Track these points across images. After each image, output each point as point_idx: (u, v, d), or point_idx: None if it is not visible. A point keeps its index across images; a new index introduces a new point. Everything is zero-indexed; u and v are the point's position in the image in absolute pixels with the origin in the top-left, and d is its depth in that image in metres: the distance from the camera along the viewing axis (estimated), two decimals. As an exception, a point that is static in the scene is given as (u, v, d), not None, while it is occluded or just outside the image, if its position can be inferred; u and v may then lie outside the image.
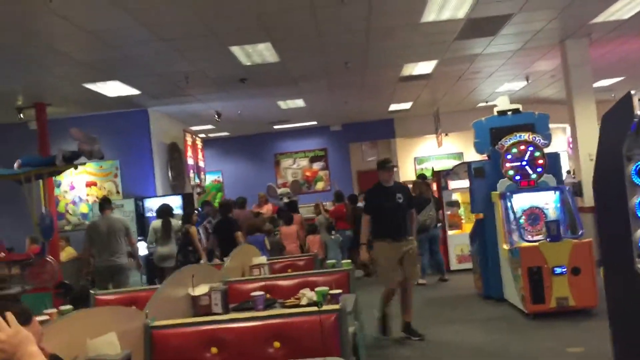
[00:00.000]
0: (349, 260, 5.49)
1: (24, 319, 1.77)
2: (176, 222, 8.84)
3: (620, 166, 2.58)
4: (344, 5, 6.60)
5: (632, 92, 2.45)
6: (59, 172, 8.19)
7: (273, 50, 8.29)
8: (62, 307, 4.08)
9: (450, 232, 10.45)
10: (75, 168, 7.98)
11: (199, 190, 15.28)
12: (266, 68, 9.18)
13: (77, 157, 7.34)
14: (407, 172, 16.78)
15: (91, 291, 5.01)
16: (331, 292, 4.02)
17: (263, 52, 8.36)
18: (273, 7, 6.71)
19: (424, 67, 10.39)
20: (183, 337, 3.20)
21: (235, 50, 8.10)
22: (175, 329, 3.23)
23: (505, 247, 7.01)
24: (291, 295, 4.39)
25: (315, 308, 3.35)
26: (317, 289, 4.07)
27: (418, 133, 16.77)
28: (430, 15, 7.43)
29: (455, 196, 10.80)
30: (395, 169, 6.49)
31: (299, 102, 12.65)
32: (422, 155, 17.34)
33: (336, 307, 3.21)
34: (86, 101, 10.20)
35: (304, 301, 4.16)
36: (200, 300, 4.12)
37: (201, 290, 4.13)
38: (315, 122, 16.04)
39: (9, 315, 1.69)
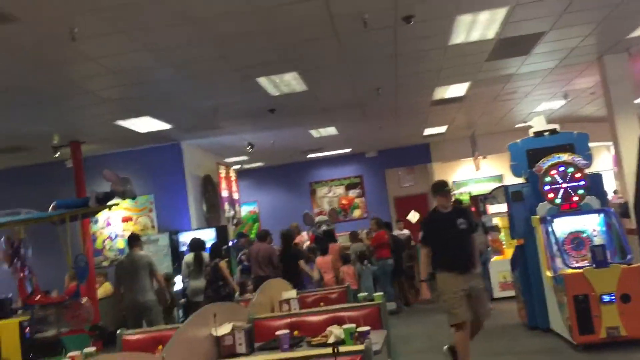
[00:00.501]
0: (382, 293, 5.26)
1: None
2: (206, 255, 8.75)
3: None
4: (368, 32, 6.49)
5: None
6: (94, 214, 8.27)
7: (300, 80, 8.23)
8: (86, 350, 3.99)
9: (491, 259, 10.07)
10: (109, 209, 8.06)
11: (235, 221, 15.28)
12: (295, 98, 9.12)
13: (110, 198, 7.41)
14: (445, 197, 16.39)
15: (118, 331, 4.90)
16: (359, 329, 3.82)
17: (290, 82, 8.31)
18: (297, 38, 6.66)
19: (457, 90, 10.16)
20: (201, 383, 3.04)
21: (262, 81, 8.06)
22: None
23: (549, 274, 6.65)
24: (320, 332, 4.19)
25: (347, 348, 3.17)
26: (344, 326, 3.87)
27: (455, 157, 16.44)
28: (459, 37, 7.25)
29: (495, 220, 10.44)
30: (452, 193, 5.91)
31: (332, 130, 12.55)
32: (461, 179, 16.94)
33: (360, 347, 3.01)
34: (119, 138, 10.32)
35: (331, 339, 3.95)
36: (224, 341, 3.97)
37: (225, 329, 3.97)
38: (349, 149, 15.90)
39: None
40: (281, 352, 3.85)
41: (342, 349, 3.04)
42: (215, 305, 4.61)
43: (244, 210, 16.65)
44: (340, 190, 16.75)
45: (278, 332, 3.94)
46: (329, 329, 4.06)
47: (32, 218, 7.49)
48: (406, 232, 12.87)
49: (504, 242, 10.27)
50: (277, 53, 7.06)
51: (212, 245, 8.87)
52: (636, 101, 12.08)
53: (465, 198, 13.54)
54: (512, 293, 8.57)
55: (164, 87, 7.87)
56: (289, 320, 4.75)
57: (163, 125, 9.79)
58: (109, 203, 7.45)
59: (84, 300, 7.31)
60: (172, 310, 8.78)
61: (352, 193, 16.68)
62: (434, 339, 7.61)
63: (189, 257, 8.81)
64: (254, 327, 4.76)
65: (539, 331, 7.06)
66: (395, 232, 12.67)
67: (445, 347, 5.76)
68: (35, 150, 10.34)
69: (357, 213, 16.40)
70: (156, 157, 11.42)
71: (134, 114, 8.97)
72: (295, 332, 4.62)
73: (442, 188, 5.63)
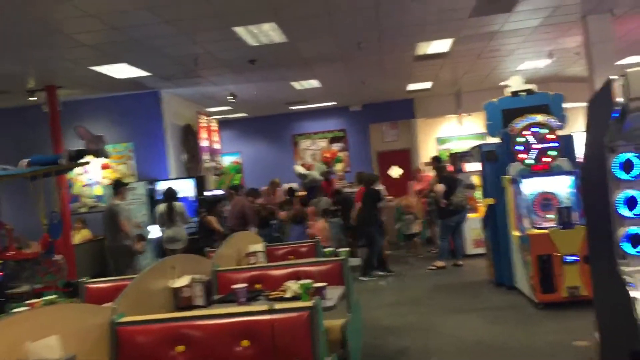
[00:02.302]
0: (348, 249, 5.33)
1: None
2: (180, 204, 8.85)
3: (603, 157, 2.35)
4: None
5: (613, 77, 2.21)
6: (66, 171, 8.26)
7: (279, 31, 8.08)
8: (48, 297, 4.03)
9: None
10: (82, 166, 8.09)
11: (217, 172, 15.25)
12: (274, 49, 8.97)
13: (83, 155, 7.39)
14: (428, 153, 16.41)
15: (80, 280, 4.94)
16: (316, 285, 3.87)
17: (269, 33, 8.15)
18: (274, -14, 6.50)
19: (440, 46, 10.03)
20: (149, 334, 3.08)
21: (240, 30, 7.90)
22: (141, 325, 3.11)
23: (516, 233, 6.75)
24: (285, 282, 4.25)
25: (291, 304, 3.21)
26: (300, 282, 3.93)
27: (439, 113, 16.37)
28: (440, -9, 7.12)
29: (472, 179, 10.51)
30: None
31: (314, 83, 12.40)
32: (444, 135, 16.92)
33: (308, 304, 3.05)
34: (97, 83, 10.14)
35: (288, 294, 4.02)
36: (182, 292, 4.01)
37: (182, 281, 4.02)
38: (334, 103, 15.77)
39: None
40: (237, 305, 3.91)
41: (289, 305, 3.08)
42: (177, 256, 4.65)
43: (227, 161, 16.61)
44: (323, 143, 16.70)
45: (234, 286, 3.98)
46: (285, 283, 4.12)
47: (4, 175, 7.43)
48: (381, 187, 12.94)
49: (479, 200, 10.36)
50: (255, 1, 6.90)
51: (166, 190, 9.01)
52: (622, 62, 12.07)
53: (444, 155, 13.55)
54: (484, 250, 8.72)
55: (140, 33, 7.69)
56: (252, 273, 4.80)
57: (140, 72, 9.63)
58: (82, 161, 7.42)
59: (58, 257, 7.36)
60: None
61: (336, 146, 16.65)
62: (404, 292, 7.79)
63: (161, 207, 8.98)
64: (217, 280, 4.85)
65: (504, 288, 7.22)
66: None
67: None
68: (10, 94, 10.17)
69: (339, 167, 16.39)
70: (135, 105, 11.29)
71: (110, 59, 8.79)
72: (257, 286, 4.68)
73: None
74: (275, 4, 7.06)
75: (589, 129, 2.56)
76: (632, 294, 2.22)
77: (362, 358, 4.98)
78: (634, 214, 2.31)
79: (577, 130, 14.24)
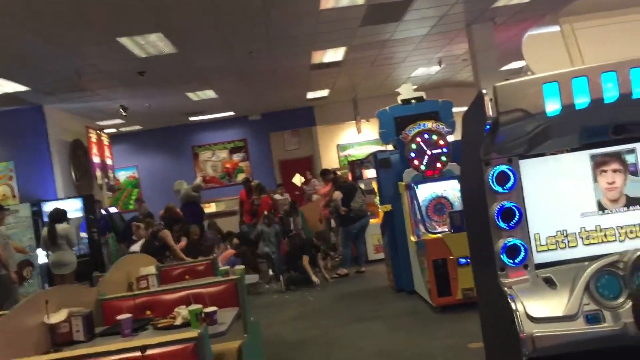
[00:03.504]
0: (242, 266, 5.16)
1: None
2: (64, 227, 8.28)
3: (479, 170, 2.35)
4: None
5: (484, 91, 2.21)
6: None
7: (167, 41, 7.80)
8: None
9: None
10: None
11: (115, 187, 14.58)
12: (164, 60, 8.66)
13: None
14: (330, 160, 16.54)
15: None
16: (206, 310, 3.69)
17: (157, 43, 7.85)
18: (157, -5, 6.25)
19: (334, 55, 10.12)
20: (15, 382, 2.79)
21: (125, 41, 7.55)
22: (6, 372, 2.81)
23: (413, 239, 6.87)
24: (175, 308, 4.01)
25: (173, 336, 3.00)
26: (189, 307, 3.72)
27: (339, 120, 16.53)
28: (329, 2, 7.13)
29: (373, 185, 10.64)
30: None
31: (210, 93, 12.14)
32: (345, 142, 17.12)
33: (193, 334, 2.86)
34: (-30, 99, 9.38)
35: (178, 321, 3.79)
36: (59, 328, 3.69)
37: (59, 316, 3.69)
38: (232, 113, 15.52)
39: None
40: (122, 337, 3.65)
41: (169, 338, 2.87)
42: (55, 288, 4.31)
43: (123, 176, 15.92)
44: (224, 154, 16.40)
45: (119, 317, 3.72)
46: (176, 309, 3.90)
47: None
48: (286, 195, 12.92)
49: (379, 206, 10.51)
50: (137, 11, 6.60)
51: (51, 211, 8.54)
52: (506, 67, 12.71)
53: (344, 161, 13.72)
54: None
55: (16, 46, 7.17)
56: (142, 299, 4.52)
57: (18, 87, 8.98)
58: None
59: None
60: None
61: (236, 157, 16.40)
62: (307, 305, 7.71)
63: (44, 231, 8.43)
64: (103, 309, 4.53)
65: (405, 294, 7.31)
66: (277, 196, 12.66)
67: None
68: None
69: (241, 177, 16.14)
70: (15, 121, 10.51)
71: (-18, 73, 8.15)
72: (148, 312, 4.41)
73: None
74: (158, 14, 6.81)
75: (465, 143, 2.57)
76: (513, 306, 2.22)
77: (263, 379, 4.84)
78: (509, 226, 2.32)
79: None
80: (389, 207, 7.50)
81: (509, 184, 2.32)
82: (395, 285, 7.61)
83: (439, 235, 6.43)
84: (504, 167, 2.32)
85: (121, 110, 11.44)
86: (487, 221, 2.35)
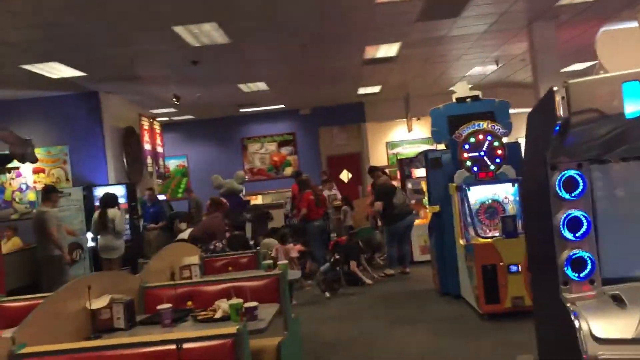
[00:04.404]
0: (285, 262, 5.07)
1: None
2: (114, 212, 8.41)
3: (545, 174, 2.16)
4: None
5: (555, 88, 2.02)
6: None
7: (221, 31, 7.77)
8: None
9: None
10: (9, 172, 7.62)
11: (165, 175, 14.76)
12: (218, 50, 8.65)
13: (8, 160, 6.95)
14: (379, 157, 16.35)
15: (-4, 298, 4.53)
16: (246, 305, 3.60)
17: (211, 33, 7.83)
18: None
19: (387, 50, 9.92)
20: (53, 368, 2.75)
21: (180, 30, 7.56)
22: (44, 357, 2.77)
23: (461, 242, 6.63)
24: (216, 301, 3.95)
25: (213, 331, 2.92)
26: (230, 301, 3.65)
27: (389, 117, 16.30)
28: (386, -6, 6.97)
29: (421, 185, 10.43)
30: None
31: (262, 86, 12.12)
32: (394, 140, 16.89)
33: (232, 330, 2.77)
34: (30, 83, 9.59)
35: (218, 314, 3.73)
36: (101, 314, 3.68)
37: (100, 302, 3.68)
38: (282, 105, 15.50)
39: None
40: (161, 327, 3.61)
41: (208, 332, 2.80)
42: (98, 274, 4.31)
43: (172, 164, 16.13)
44: (272, 147, 16.41)
45: (159, 307, 3.67)
46: (217, 302, 3.84)
47: None
48: (334, 191, 12.81)
49: (427, 207, 10.28)
50: (193, 0, 6.59)
51: (102, 196, 8.72)
52: (567, 69, 12.24)
53: (392, 160, 13.50)
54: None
55: (72, 31, 7.27)
56: (183, 289, 4.49)
57: (75, 72, 9.14)
58: (9, 166, 6.97)
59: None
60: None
61: (285, 150, 16.39)
62: (349, 304, 7.58)
63: (95, 214, 8.57)
64: (145, 297, 4.51)
65: (450, 298, 7.09)
66: (325, 192, 12.59)
67: None
68: None
69: (288, 171, 16.14)
70: (72, 106, 10.75)
71: (41, 58, 8.31)
72: (189, 303, 4.37)
73: None
74: (214, 4, 6.77)
75: (529, 144, 2.38)
76: (577, 323, 2.03)
77: (301, 378, 4.74)
78: (576, 236, 2.12)
79: (523, 136, 14.54)
80: (437, 208, 7.29)
81: (578, 191, 2.13)
82: (440, 289, 7.40)
83: (490, 240, 6.19)
84: (572, 172, 2.13)
85: (173, 99, 11.53)
86: (550, 230, 2.16)
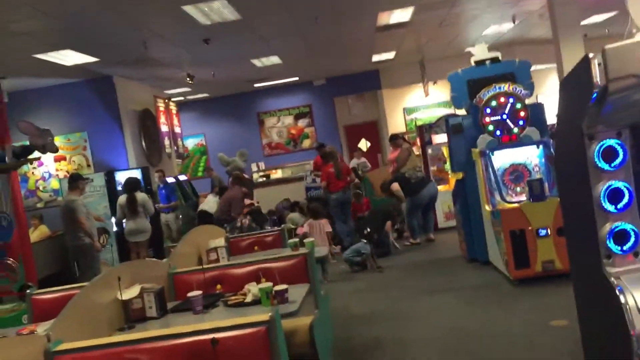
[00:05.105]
0: (311, 239, 5.03)
1: None
2: (142, 195, 8.50)
3: (581, 145, 2.07)
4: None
5: (591, 55, 1.92)
6: (12, 169, 7.78)
7: (231, 8, 7.64)
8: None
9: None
10: (31, 163, 7.63)
11: (184, 155, 14.77)
12: (229, 27, 8.53)
13: (29, 152, 6.94)
14: (396, 124, 16.17)
15: (27, 291, 4.59)
16: (276, 288, 3.58)
17: (221, 10, 7.70)
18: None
19: (400, 15, 9.69)
20: (90, 363, 2.76)
21: (190, 9, 7.44)
22: (81, 353, 2.78)
23: (488, 208, 6.54)
24: (245, 285, 3.95)
25: (246, 319, 2.89)
26: (260, 285, 3.63)
27: (405, 83, 16.05)
28: (397, -42, 6.76)
29: (442, 150, 10.29)
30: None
31: (275, 59, 11.97)
32: (411, 105, 16.66)
33: (265, 318, 2.75)
34: (44, 71, 9.57)
35: (249, 298, 3.73)
36: (133, 304, 3.69)
37: (132, 292, 3.69)
38: (297, 78, 15.35)
39: None
40: (194, 314, 3.61)
41: (240, 320, 2.78)
42: (127, 264, 4.32)
43: (191, 144, 16.13)
44: (289, 120, 16.30)
45: (190, 294, 3.67)
46: (247, 286, 3.83)
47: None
48: (363, 159, 12.81)
49: (449, 173, 10.16)
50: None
51: (126, 180, 8.80)
52: (586, 22, 11.87)
53: (410, 126, 13.37)
54: (455, 223, 8.53)
55: (82, 18, 7.20)
56: (212, 273, 4.49)
57: (88, 58, 9.09)
58: (30, 157, 6.98)
59: (9, 260, 6.93)
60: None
61: (302, 123, 16.27)
62: (377, 276, 7.56)
63: (122, 199, 8.62)
64: (174, 283, 4.52)
65: (478, 264, 7.05)
66: (354, 160, 12.64)
67: None
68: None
69: (306, 143, 16.07)
70: (87, 92, 10.74)
71: (54, 47, 8.27)
72: (218, 287, 4.38)
73: None
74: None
75: (563, 115, 2.27)
76: (622, 298, 1.96)
77: (334, 354, 4.75)
78: (618, 208, 2.04)
79: (544, 93, 14.20)
80: (460, 174, 7.19)
81: (618, 161, 2.03)
82: (467, 255, 7.35)
83: (516, 204, 6.10)
84: (612, 142, 2.03)
85: (187, 78, 11.45)
86: (589, 203, 2.08)
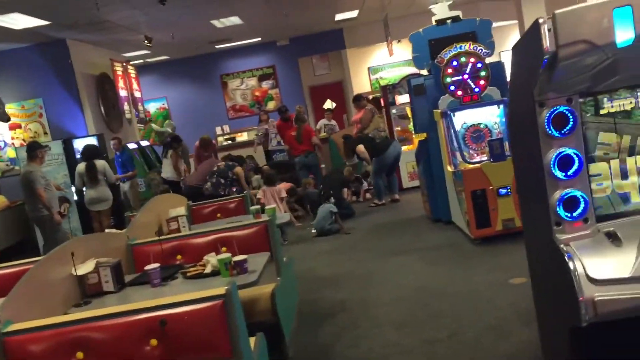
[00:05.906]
0: (272, 207, 4.99)
1: None
2: (102, 163, 8.29)
3: (532, 112, 2.04)
4: None
5: (541, 20, 1.87)
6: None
7: (186, -33, 7.37)
8: None
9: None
10: None
11: (146, 120, 14.43)
12: (185, -14, 8.25)
13: None
14: (361, 84, 16.06)
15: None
16: (235, 259, 3.54)
17: (174, -31, 7.42)
18: None
19: (363, -28, 9.49)
20: (43, 342, 2.69)
21: (142, -31, 7.15)
22: (33, 333, 2.71)
23: (450, 169, 6.58)
24: (205, 256, 3.89)
25: (200, 293, 2.84)
26: (219, 256, 3.59)
27: (369, 42, 15.87)
28: None
29: (406, 111, 10.26)
30: None
31: (235, 20, 11.67)
32: (376, 64, 16.53)
33: (220, 292, 2.71)
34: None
35: (208, 269, 3.68)
36: (88, 279, 3.62)
37: (86, 267, 3.60)
38: (259, 39, 15.03)
39: None
40: (151, 287, 3.56)
41: (196, 295, 2.73)
42: (79, 239, 4.22)
43: (152, 108, 15.78)
44: (252, 82, 16.03)
45: (147, 267, 3.61)
46: (206, 257, 3.78)
47: None
48: (333, 122, 12.74)
49: (413, 133, 10.16)
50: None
51: (84, 148, 8.61)
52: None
53: (375, 85, 13.30)
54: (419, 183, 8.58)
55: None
56: (172, 244, 4.42)
57: (38, 22, 8.72)
58: None
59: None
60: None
61: (266, 84, 16.02)
62: (341, 237, 7.59)
63: (80, 167, 8.40)
64: (134, 255, 4.44)
65: (442, 224, 7.13)
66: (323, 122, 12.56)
67: None
68: None
69: (271, 105, 15.86)
70: (40, 57, 10.33)
71: (1, 10, 7.88)
72: (178, 257, 4.33)
73: None
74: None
75: (515, 81, 2.24)
76: (571, 265, 1.97)
77: (298, 318, 4.77)
78: (567, 175, 2.03)
79: (508, 50, 14.23)
80: (424, 135, 7.19)
81: (568, 127, 2.02)
82: (431, 215, 7.42)
83: (478, 165, 6.14)
84: (562, 108, 2.01)
85: (145, 41, 11.11)
86: (540, 170, 2.07)
